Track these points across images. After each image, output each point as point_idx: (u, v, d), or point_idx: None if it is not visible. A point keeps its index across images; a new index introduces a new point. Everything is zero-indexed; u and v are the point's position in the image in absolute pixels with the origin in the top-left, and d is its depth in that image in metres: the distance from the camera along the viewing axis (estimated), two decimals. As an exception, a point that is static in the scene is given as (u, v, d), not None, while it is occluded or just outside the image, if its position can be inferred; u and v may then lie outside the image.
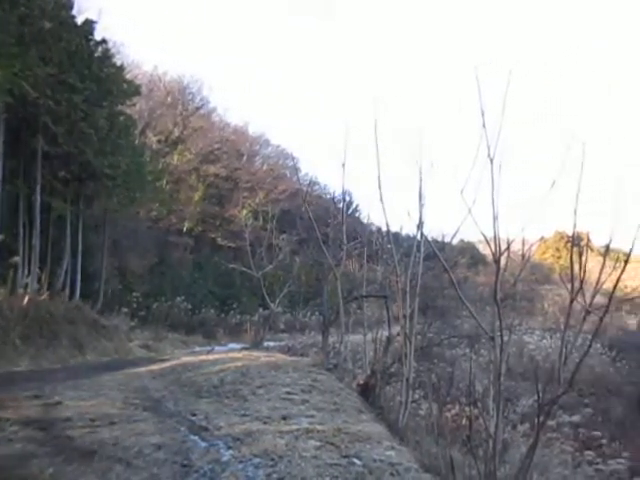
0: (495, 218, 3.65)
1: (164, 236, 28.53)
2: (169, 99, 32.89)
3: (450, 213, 5.63)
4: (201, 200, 31.59)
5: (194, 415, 5.03)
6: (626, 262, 3.58)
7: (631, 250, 3.64)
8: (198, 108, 34.84)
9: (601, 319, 3.58)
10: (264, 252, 16.82)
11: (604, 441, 12.18)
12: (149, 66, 32.62)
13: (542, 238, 41.64)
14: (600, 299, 4.22)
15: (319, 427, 4.48)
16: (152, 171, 22.00)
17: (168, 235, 29.01)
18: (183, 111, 33.32)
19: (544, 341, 21.20)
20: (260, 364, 8.17)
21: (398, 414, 6.04)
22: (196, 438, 4.12)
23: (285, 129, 69.55)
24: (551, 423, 10.54)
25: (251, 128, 38.65)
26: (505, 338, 4.46)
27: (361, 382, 7.46)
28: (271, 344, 18.52)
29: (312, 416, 5.02)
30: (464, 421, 6.11)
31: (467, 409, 5.99)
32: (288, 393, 6.05)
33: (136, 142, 22.05)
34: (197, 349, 18.70)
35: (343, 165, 8.18)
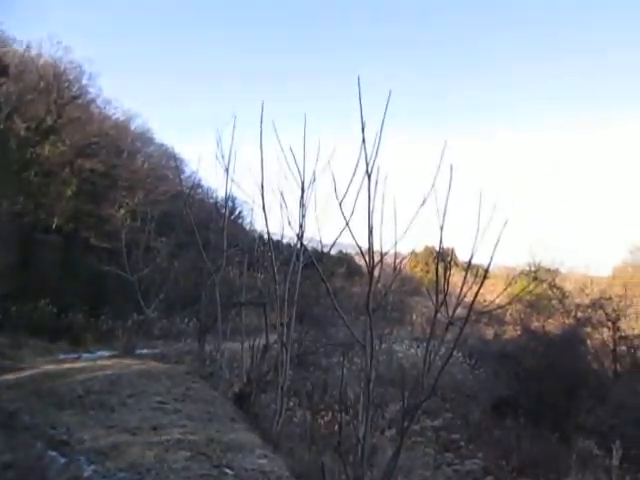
0: (370, 231, 3.80)
1: (30, 233, 26.19)
2: (42, 84, 30.33)
3: (331, 224, 5.79)
4: (74, 196, 29.38)
5: (54, 428, 4.67)
6: (484, 277, 3.88)
7: (488, 266, 3.95)
8: (75, 97, 32.43)
9: (461, 329, 3.84)
10: (141, 255, 16.09)
11: (462, 443, 13.06)
12: (20, 46, 29.79)
13: (413, 252, 44.03)
14: (462, 311, 4.54)
15: (191, 437, 4.38)
16: (18, 160, 20.12)
17: (34, 232, 26.68)
18: (58, 99, 30.88)
19: (411, 350, 22.25)
20: (131, 372, 7.79)
21: (272, 422, 6.04)
22: (55, 454, 3.81)
23: (171, 127, 67.10)
24: (415, 427, 11.10)
25: (134, 124, 36.80)
26: (376, 347, 4.62)
27: (236, 390, 7.38)
28: (145, 351, 17.67)
29: (184, 426, 4.88)
30: (336, 427, 6.25)
31: (339, 416, 6.12)
32: (160, 402, 5.84)
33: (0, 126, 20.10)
34: (62, 356, 17.30)
35: (226, 170, 8.10)
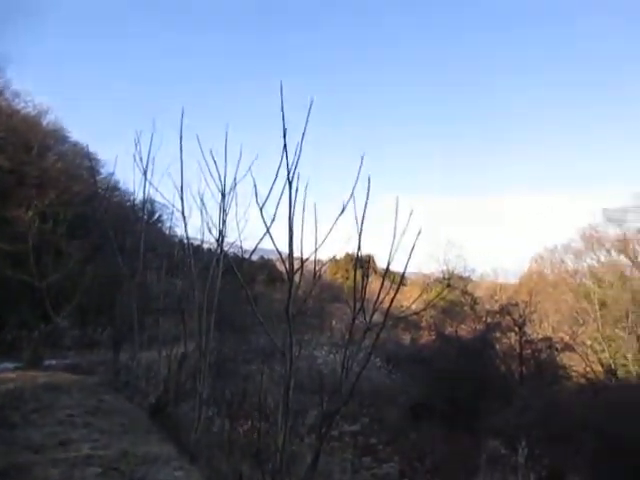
0: (290, 237, 3.83)
1: None
2: (-59, 75, 28.06)
3: (253, 230, 5.76)
4: (-27, 194, 27.33)
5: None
6: (399, 284, 4.01)
7: (403, 273, 4.08)
8: (-20, 88, 30.29)
9: (377, 335, 3.94)
10: (51, 259, 15.19)
11: (380, 447, 13.33)
12: None
13: (334, 258, 44.70)
14: (381, 317, 4.65)
15: (102, 452, 4.18)
16: None
17: None
18: (-41, 89, 28.70)
19: (331, 356, 22.45)
20: (37, 385, 7.34)
21: (190, 432, 5.90)
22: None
23: (87, 125, 64.07)
24: (334, 433, 11.21)
25: (46, 119, 34.67)
26: (296, 353, 4.63)
27: (153, 401, 7.14)
28: (54, 363, 16.64)
29: (95, 440, 4.66)
30: (255, 436, 6.19)
31: (258, 423, 6.07)
32: (69, 416, 5.54)
33: None
34: (-42, 371, 15.95)
35: (145, 172, 7.88)
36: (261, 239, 4.95)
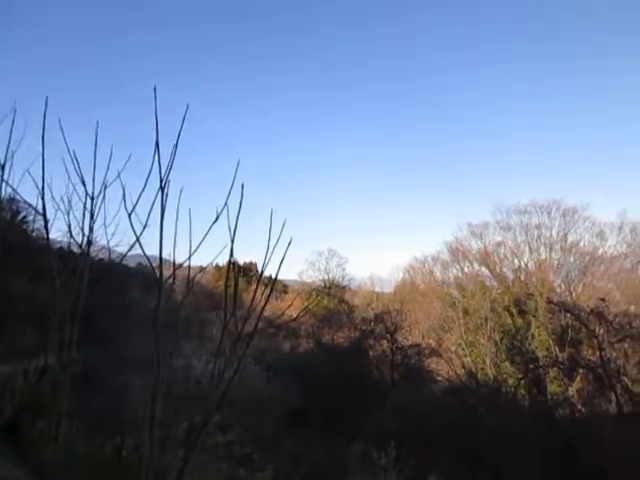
0: (160, 243, 3.75)
1: None
2: None
3: (130, 235, 5.53)
4: None
5: None
6: (271, 290, 4.07)
7: (274, 281, 4.15)
8: None
9: (248, 343, 3.97)
10: None
11: (255, 456, 13.24)
12: None
13: (217, 265, 44.16)
14: (262, 325, 4.68)
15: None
16: None
17: None
18: None
19: (209, 365, 21.96)
20: None
21: (49, 451, 5.50)
22: None
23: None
24: (209, 444, 10.98)
25: None
26: (173, 363, 4.52)
27: (6, 419, 6.56)
28: None
29: None
30: (125, 452, 5.92)
31: (124, 438, 5.82)
32: None
33: None
34: None
35: (2, 167, 7.26)
36: (132, 246, 4.78)
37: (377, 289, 43.85)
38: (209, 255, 4.71)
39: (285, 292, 43.77)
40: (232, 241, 3.70)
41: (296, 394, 19.13)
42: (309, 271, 45.13)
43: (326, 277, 44.09)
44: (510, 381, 19.99)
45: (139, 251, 5.56)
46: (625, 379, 14.10)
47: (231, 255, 3.87)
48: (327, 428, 15.76)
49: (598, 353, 14.17)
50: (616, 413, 13.72)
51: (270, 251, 4.06)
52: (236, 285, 4.08)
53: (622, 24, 46.28)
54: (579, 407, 16.96)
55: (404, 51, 60.78)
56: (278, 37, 66.39)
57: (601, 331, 14.47)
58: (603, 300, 15.81)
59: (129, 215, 3.54)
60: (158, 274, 3.98)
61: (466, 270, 30.06)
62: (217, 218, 3.77)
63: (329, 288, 35.12)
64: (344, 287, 42.80)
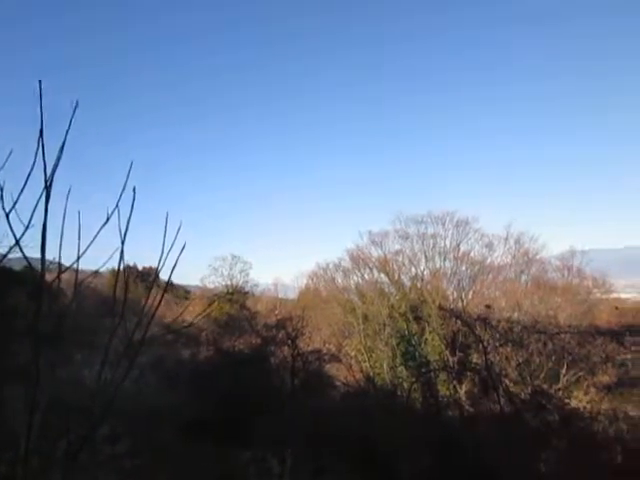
0: (43, 246, 3.54)
1: None
2: None
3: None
4: None
5: None
6: (163, 294, 3.99)
7: (167, 285, 4.07)
8: None
9: (137, 351, 3.85)
10: None
11: (147, 469, 12.79)
12: None
13: (113, 270, 41.98)
14: (160, 331, 4.54)
15: None
16: None
17: None
18: None
19: (102, 375, 20.95)
20: None
21: None
22: None
23: None
24: (100, 457, 10.49)
25: None
26: (61, 373, 4.27)
27: None
28: None
29: None
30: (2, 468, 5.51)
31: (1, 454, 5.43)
32: None
33: None
34: None
35: None
36: (11, 248, 4.46)
37: (281, 295, 44.00)
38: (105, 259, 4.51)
39: (187, 298, 42.72)
40: (122, 243, 3.57)
41: (194, 402, 18.73)
42: (212, 277, 44.39)
43: (229, 283, 43.55)
44: (405, 385, 20.80)
45: (31, 253, 5.20)
46: (506, 381, 15.17)
47: (121, 259, 3.73)
48: (225, 436, 15.57)
49: (483, 357, 15.14)
50: (498, 413, 14.70)
51: (164, 255, 3.96)
52: (126, 289, 3.94)
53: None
54: (467, 408, 18.02)
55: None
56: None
57: (486, 336, 15.48)
58: (488, 307, 16.94)
59: (7, 215, 3.31)
60: (40, 278, 3.76)
61: (366, 277, 30.94)
62: (107, 220, 3.62)
63: (231, 294, 34.69)
64: (247, 293, 42.48)
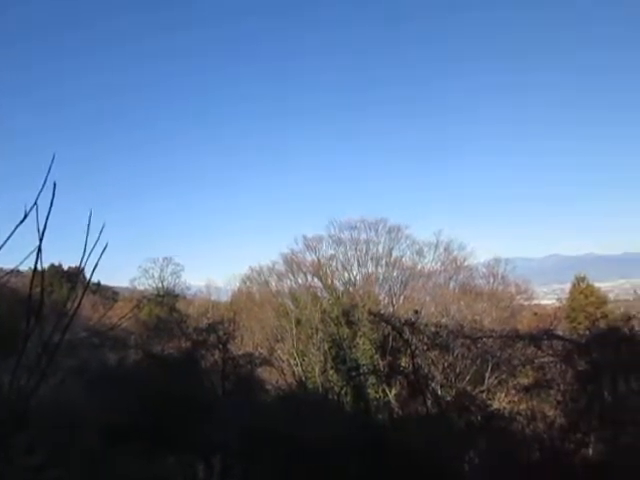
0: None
1: None
2: None
3: None
4: None
5: None
6: (82, 295, 3.85)
7: (87, 285, 3.92)
8: None
9: (53, 352, 3.69)
10: None
11: (66, 477, 12.23)
12: None
13: (41, 271, 39.89)
14: (87, 334, 4.36)
15: None
16: None
17: None
18: None
19: (22, 381, 19.92)
20: None
21: None
22: None
23: None
24: (11, 470, 9.90)
25: None
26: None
27: None
28: None
29: None
30: None
31: None
32: None
33: None
34: None
35: None
36: None
37: (213, 298, 43.41)
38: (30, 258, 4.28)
39: (115, 300, 41.36)
40: (40, 240, 3.41)
41: (121, 409, 18.13)
42: (142, 278, 43.20)
43: (160, 285, 42.50)
44: (336, 388, 21.02)
45: None
46: (433, 384, 15.64)
47: (38, 257, 3.55)
48: (153, 442, 15.16)
49: (412, 361, 15.54)
50: (425, 414, 15.12)
51: (87, 255, 3.82)
52: (42, 289, 3.76)
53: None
54: (396, 410, 18.42)
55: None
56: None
57: (415, 340, 15.89)
58: (416, 312, 17.40)
59: None
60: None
61: (300, 281, 31.12)
62: (25, 217, 3.45)
63: (162, 296, 33.87)
64: (178, 296, 41.61)
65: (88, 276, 4.29)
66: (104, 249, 3.42)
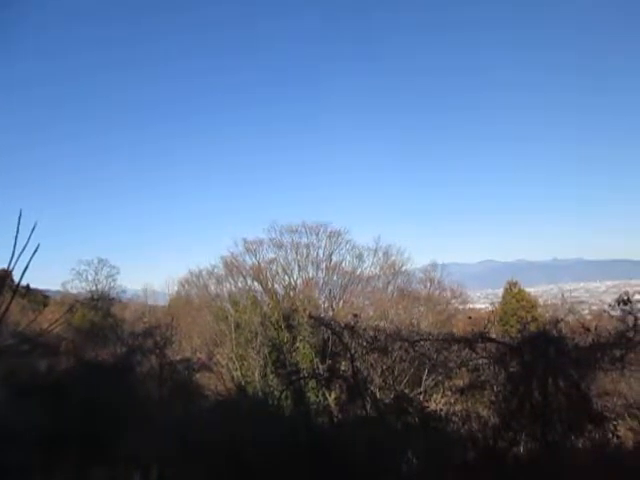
0: None
1: None
2: None
3: None
4: None
5: None
6: (11, 300, 3.68)
7: (16, 288, 3.77)
8: None
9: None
10: None
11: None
12: None
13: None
14: (14, 341, 4.14)
15: None
16: None
17: None
18: None
19: None
20: None
21: None
22: None
23: None
24: None
25: None
26: None
27: None
28: None
29: None
30: None
31: None
32: None
33: None
34: None
35: None
36: None
37: (150, 302, 42.35)
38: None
39: (45, 304, 39.59)
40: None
41: (52, 417, 17.41)
42: (75, 281, 41.61)
43: (94, 288, 41.04)
44: (276, 393, 20.95)
45: None
46: (372, 387, 15.84)
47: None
48: (86, 453, 14.66)
49: (351, 364, 15.68)
50: (364, 417, 15.28)
51: (16, 257, 3.67)
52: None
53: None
54: (336, 414, 18.52)
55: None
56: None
57: (354, 344, 16.04)
58: (356, 316, 17.55)
59: None
60: None
61: (240, 285, 30.89)
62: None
63: (96, 300, 32.73)
64: (113, 299, 40.33)
65: (17, 279, 4.09)
66: (35, 250, 3.29)
